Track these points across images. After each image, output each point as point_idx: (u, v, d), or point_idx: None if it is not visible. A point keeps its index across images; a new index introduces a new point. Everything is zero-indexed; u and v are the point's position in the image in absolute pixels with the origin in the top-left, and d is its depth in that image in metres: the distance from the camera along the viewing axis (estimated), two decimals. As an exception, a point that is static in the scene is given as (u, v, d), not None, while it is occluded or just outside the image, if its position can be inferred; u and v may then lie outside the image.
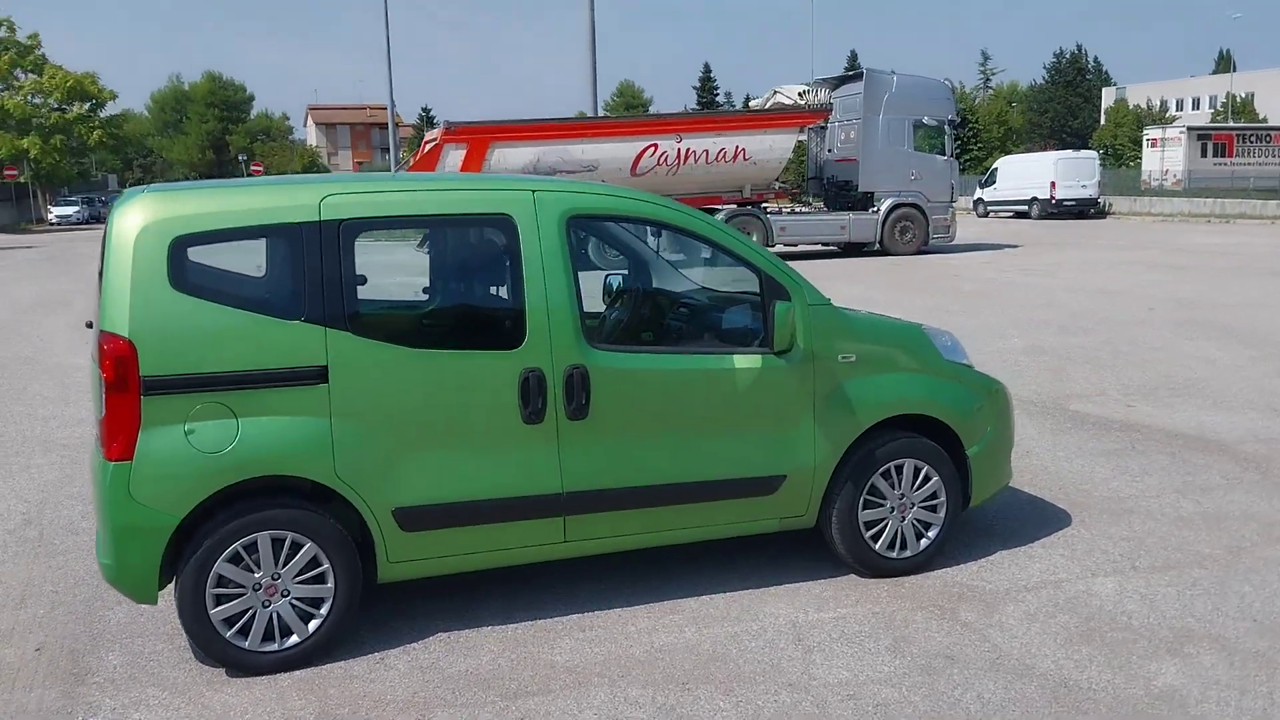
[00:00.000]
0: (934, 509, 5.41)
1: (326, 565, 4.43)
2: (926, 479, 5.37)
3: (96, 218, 60.57)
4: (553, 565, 5.36)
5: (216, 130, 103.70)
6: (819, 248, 26.19)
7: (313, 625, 4.45)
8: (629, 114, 25.87)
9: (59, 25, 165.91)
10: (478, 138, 22.97)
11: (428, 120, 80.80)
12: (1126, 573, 5.34)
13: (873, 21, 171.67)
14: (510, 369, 4.59)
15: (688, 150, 24.18)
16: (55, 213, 58.49)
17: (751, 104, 33.66)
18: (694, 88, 79.34)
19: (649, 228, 5.08)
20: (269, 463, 4.31)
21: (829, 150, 26.86)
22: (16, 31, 56.59)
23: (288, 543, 4.37)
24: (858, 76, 26.06)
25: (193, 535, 4.28)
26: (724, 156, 24.37)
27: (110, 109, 61.56)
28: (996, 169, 45.82)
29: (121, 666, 4.51)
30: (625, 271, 6.12)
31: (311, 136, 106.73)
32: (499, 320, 4.72)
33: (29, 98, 56.87)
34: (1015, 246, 27.98)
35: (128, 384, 4.14)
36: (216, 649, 4.35)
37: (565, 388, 4.65)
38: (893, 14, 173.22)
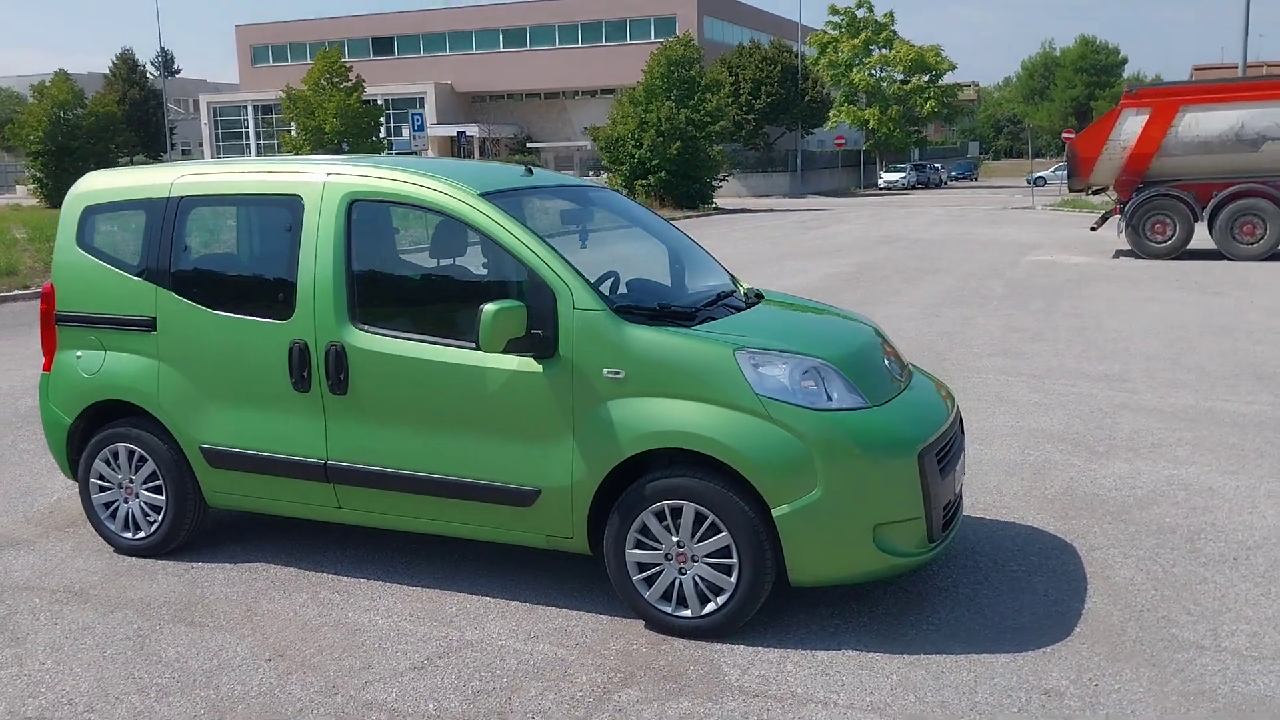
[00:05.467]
0: (727, 571, 4.43)
1: (161, 480, 5.42)
2: (714, 530, 4.42)
3: (925, 183, 64.57)
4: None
5: (1082, 95, 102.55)
6: None
7: (154, 526, 5.50)
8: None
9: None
10: (1165, 100, 20.13)
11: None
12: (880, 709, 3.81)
13: None
14: (281, 338, 5.03)
15: None
16: (885, 178, 63.83)
17: None
18: None
19: (433, 215, 4.96)
20: (117, 390, 5.45)
21: None
22: (874, 11, 62.61)
23: (136, 456, 5.46)
24: None
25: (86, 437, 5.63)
26: None
27: (950, 78, 64.80)
28: None
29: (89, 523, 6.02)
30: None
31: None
32: (275, 292, 5.13)
33: (874, 71, 62.68)
34: None
35: (49, 316, 5.60)
36: (98, 527, 5.65)
37: (325, 362, 4.94)
38: None
